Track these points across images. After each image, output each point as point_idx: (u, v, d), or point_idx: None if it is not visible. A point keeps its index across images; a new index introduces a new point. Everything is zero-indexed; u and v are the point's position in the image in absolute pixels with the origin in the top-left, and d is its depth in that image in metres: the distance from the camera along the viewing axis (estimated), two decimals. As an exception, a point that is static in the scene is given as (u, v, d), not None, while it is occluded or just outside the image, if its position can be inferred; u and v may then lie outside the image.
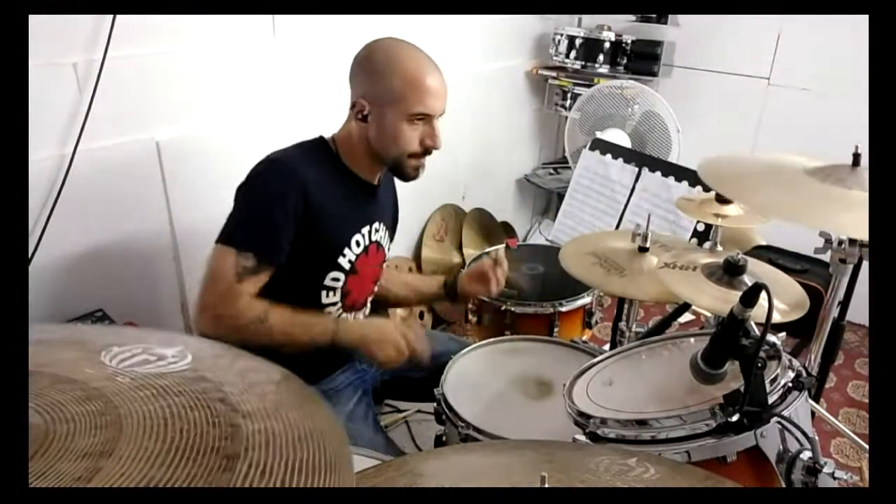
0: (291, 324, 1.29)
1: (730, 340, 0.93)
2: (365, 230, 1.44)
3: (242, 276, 1.25)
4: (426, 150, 1.37)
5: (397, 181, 1.54)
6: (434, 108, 1.34)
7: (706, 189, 1.95)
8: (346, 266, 1.40)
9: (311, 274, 1.37)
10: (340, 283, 1.41)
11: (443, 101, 1.35)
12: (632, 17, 3.05)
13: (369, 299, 1.56)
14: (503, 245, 2.15)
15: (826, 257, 1.31)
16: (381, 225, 1.50)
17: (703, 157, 1.33)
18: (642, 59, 2.92)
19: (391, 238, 1.62)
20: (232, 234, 1.28)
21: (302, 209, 1.29)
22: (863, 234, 1.14)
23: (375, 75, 1.31)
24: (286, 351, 1.18)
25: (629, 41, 2.91)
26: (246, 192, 1.31)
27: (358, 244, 1.42)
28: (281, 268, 1.30)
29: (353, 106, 1.35)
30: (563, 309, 1.75)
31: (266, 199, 1.28)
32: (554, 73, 3.07)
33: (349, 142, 1.39)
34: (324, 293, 1.40)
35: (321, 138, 1.41)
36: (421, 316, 2.67)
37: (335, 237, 1.38)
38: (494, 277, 1.58)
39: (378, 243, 1.50)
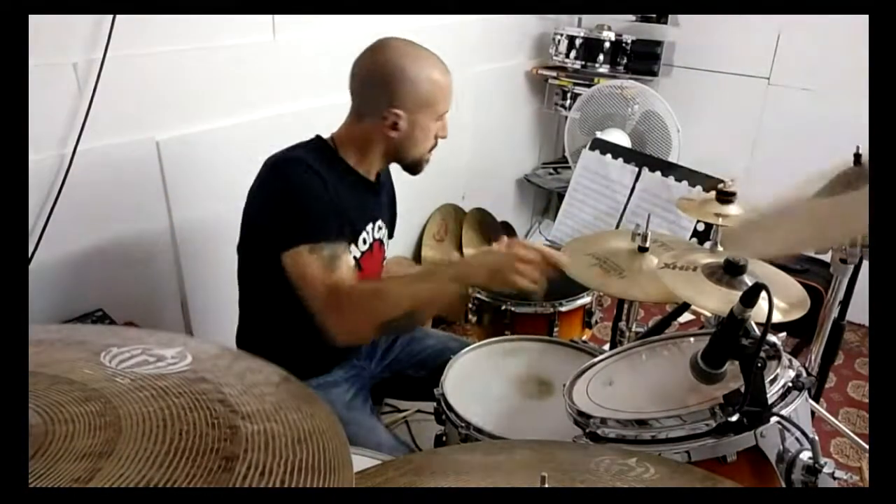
0: (410, 283, 1.29)
1: (730, 340, 0.93)
2: (369, 228, 1.44)
3: (329, 265, 1.24)
4: (436, 142, 1.41)
5: (397, 179, 1.55)
6: (450, 103, 1.38)
7: (706, 189, 1.95)
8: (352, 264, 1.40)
9: None
10: None
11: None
12: (632, 17, 3.05)
13: None
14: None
15: (826, 257, 1.32)
16: (383, 223, 1.50)
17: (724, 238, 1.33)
18: (642, 59, 2.92)
19: (390, 236, 1.62)
20: (293, 237, 1.24)
21: (325, 204, 1.28)
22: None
23: (408, 84, 1.30)
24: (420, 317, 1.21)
25: (629, 41, 2.91)
26: (276, 193, 1.29)
27: (364, 242, 1.43)
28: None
29: (384, 118, 1.32)
30: (563, 309, 1.75)
31: (299, 187, 1.27)
32: (554, 73, 3.07)
33: (354, 143, 1.38)
34: None
35: (319, 138, 1.41)
36: (421, 316, 2.67)
37: (346, 236, 1.38)
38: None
39: (380, 241, 1.50)
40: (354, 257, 1.40)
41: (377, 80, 1.32)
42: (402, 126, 1.33)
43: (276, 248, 1.25)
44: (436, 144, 1.41)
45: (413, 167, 1.44)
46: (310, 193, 1.27)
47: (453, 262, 1.30)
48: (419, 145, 1.38)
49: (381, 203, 1.51)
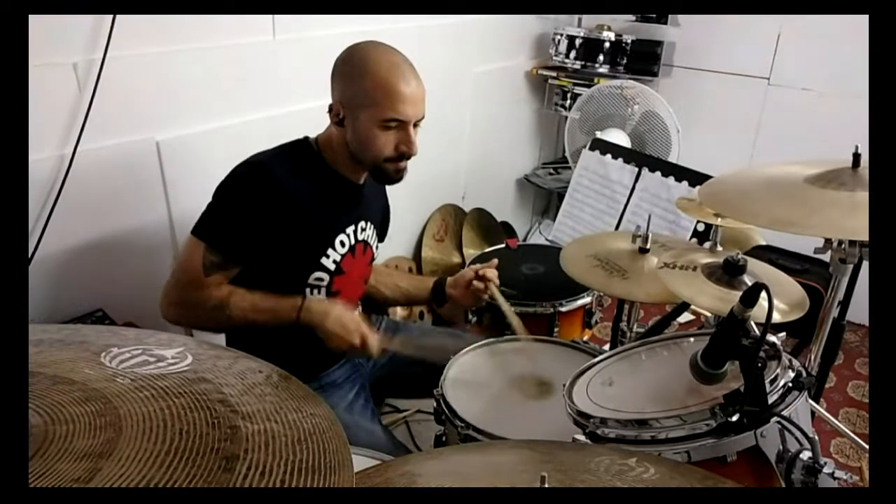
0: (253, 310, 1.31)
1: (730, 340, 0.93)
2: (350, 230, 1.43)
3: (210, 270, 1.29)
4: (402, 155, 1.36)
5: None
6: (407, 115, 1.32)
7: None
8: (331, 266, 1.40)
9: (294, 274, 1.38)
10: (325, 283, 1.41)
11: (418, 107, 1.33)
12: (632, 17, 3.05)
13: (360, 298, 1.56)
14: (503, 245, 2.15)
15: (826, 257, 1.31)
16: (369, 224, 1.50)
17: (702, 186, 1.32)
18: (642, 59, 2.92)
19: (381, 237, 1.62)
20: (204, 229, 1.31)
21: (276, 215, 1.30)
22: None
23: (350, 79, 1.31)
24: (258, 327, 1.29)
25: (629, 41, 2.91)
26: (223, 192, 1.33)
27: (343, 244, 1.42)
28: (264, 266, 1.32)
29: (329, 109, 1.36)
30: (563, 309, 1.75)
31: (239, 204, 1.31)
32: (554, 73, 3.07)
33: (330, 143, 1.39)
34: (308, 290, 1.40)
35: (305, 139, 1.42)
36: (421, 316, 2.67)
37: (316, 238, 1.38)
38: (476, 289, 1.58)
39: (365, 242, 1.49)
40: (334, 260, 1.40)
41: (332, 74, 1.35)
42: (346, 123, 1.34)
43: (195, 225, 1.31)
44: (402, 157, 1.36)
45: (374, 173, 1.40)
46: (242, 208, 1.30)
47: (299, 307, 1.33)
48: (366, 148, 1.34)
49: (368, 204, 1.50)
